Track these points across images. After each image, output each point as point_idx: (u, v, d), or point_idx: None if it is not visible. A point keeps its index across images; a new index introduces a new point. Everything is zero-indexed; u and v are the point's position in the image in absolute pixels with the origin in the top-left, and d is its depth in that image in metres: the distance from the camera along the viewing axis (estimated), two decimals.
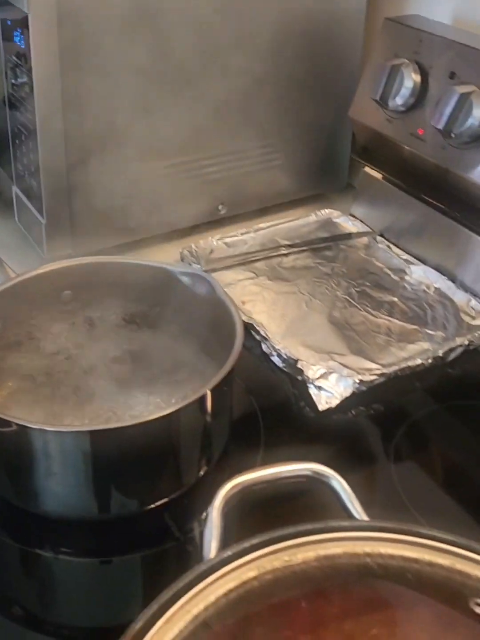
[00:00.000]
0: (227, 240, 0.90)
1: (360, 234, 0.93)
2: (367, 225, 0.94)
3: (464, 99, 0.72)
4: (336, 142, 1.01)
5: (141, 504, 0.56)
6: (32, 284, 0.66)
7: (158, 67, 0.82)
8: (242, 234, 0.92)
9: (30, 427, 0.51)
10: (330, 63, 0.94)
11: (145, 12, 0.78)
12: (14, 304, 0.64)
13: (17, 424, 0.51)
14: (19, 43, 0.78)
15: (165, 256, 0.88)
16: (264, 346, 0.72)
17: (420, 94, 0.79)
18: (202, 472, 0.59)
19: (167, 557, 0.54)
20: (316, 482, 0.49)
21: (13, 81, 0.83)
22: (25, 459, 0.52)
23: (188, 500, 0.57)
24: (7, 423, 0.51)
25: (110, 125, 0.82)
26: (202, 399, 0.55)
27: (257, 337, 0.73)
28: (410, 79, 0.79)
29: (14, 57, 0.81)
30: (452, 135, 0.76)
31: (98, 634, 0.51)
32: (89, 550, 0.55)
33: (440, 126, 0.75)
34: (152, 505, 0.56)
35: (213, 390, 0.55)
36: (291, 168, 0.99)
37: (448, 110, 0.72)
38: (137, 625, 0.40)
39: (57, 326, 0.66)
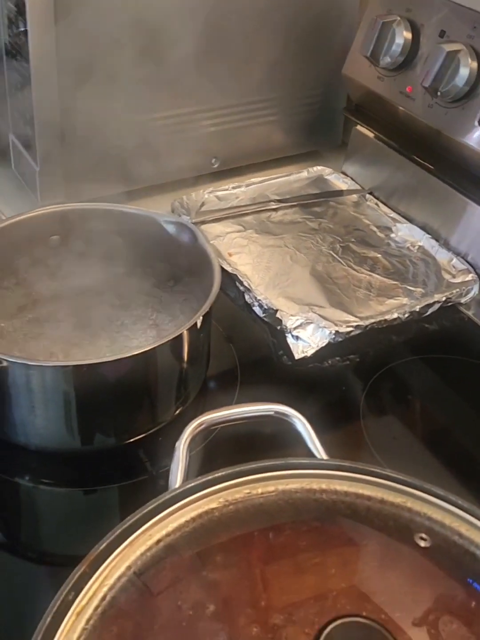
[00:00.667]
0: (219, 193, 0.91)
1: (350, 192, 0.94)
2: (358, 183, 0.95)
3: (451, 57, 0.72)
4: (331, 100, 1.01)
5: (118, 439, 0.59)
6: (20, 228, 0.67)
7: (154, 20, 0.82)
8: (233, 187, 0.93)
9: (14, 362, 0.53)
10: (327, 19, 0.94)
11: None
12: (3, 244, 0.66)
13: (2, 359, 0.53)
14: None
15: (157, 207, 0.89)
16: (246, 297, 0.74)
17: (411, 52, 0.80)
18: (177, 411, 0.61)
19: (141, 490, 0.57)
20: (281, 423, 0.51)
21: (11, 30, 0.84)
22: (7, 392, 0.55)
23: (162, 438, 0.60)
24: None
25: (105, 75, 0.83)
26: (179, 338, 0.57)
27: (241, 288, 0.75)
28: (401, 37, 0.79)
29: (13, 5, 0.81)
30: (439, 94, 0.77)
31: (74, 559, 0.54)
32: (68, 480, 0.58)
33: (427, 84, 0.76)
34: (129, 441, 0.59)
35: (189, 331, 0.57)
36: (286, 124, 1.00)
37: (435, 68, 0.73)
38: (100, 547, 0.42)
39: (43, 269, 0.68)
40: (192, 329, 0.59)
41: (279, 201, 0.91)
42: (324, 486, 0.47)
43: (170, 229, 0.69)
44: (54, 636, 0.38)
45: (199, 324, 0.59)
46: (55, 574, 0.53)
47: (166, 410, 0.61)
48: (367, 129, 0.95)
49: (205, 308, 0.60)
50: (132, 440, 0.59)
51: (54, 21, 0.77)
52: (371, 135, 0.94)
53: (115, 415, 0.58)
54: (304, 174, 0.97)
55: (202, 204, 0.89)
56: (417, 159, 0.88)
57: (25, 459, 0.58)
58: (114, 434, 0.59)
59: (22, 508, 0.58)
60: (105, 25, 0.80)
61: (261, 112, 0.97)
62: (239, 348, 0.69)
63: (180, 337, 0.58)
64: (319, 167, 0.98)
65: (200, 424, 0.49)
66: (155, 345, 0.56)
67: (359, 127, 0.96)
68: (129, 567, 0.42)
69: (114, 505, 0.58)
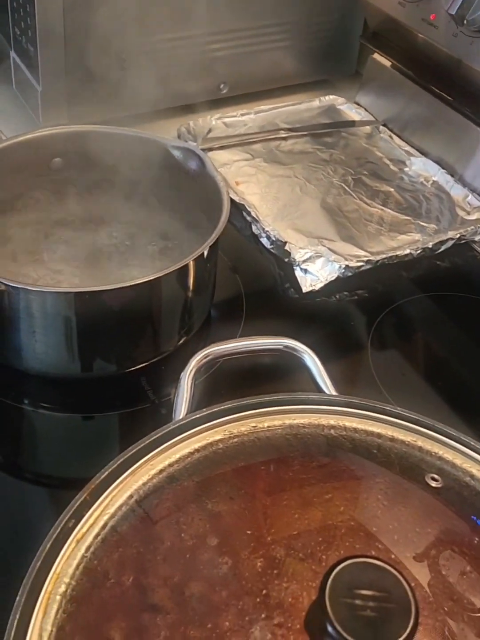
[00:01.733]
0: (226, 120, 0.88)
1: (363, 123, 0.90)
2: (371, 114, 0.92)
3: None
4: (347, 26, 0.97)
5: (119, 367, 0.58)
6: (22, 149, 0.65)
7: None
8: (241, 114, 0.90)
9: (15, 287, 0.52)
10: None
11: None
12: (3, 166, 0.63)
13: (3, 284, 0.51)
14: None
15: (162, 133, 0.86)
16: (254, 227, 0.72)
17: None
18: (181, 342, 0.60)
19: (142, 418, 0.56)
20: (289, 357, 0.50)
21: None
22: (8, 317, 0.53)
23: (165, 367, 0.58)
24: None
25: None
26: (185, 268, 0.55)
27: (248, 219, 0.73)
28: None
29: None
30: (465, 22, 0.73)
31: (74, 483, 0.53)
32: (67, 406, 0.57)
33: (453, 11, 0.72)
34: (131, 369, 0.57)
35: (196, 261, 0.55)
36: (298, 50, 0.96)
37: None
38: (102, 475, 0.41)
39: (44, 193, 0.66)
40: (199, 259, 0.57)
41: (289, 130, 0.88)
42: (332, 422, 0.46)
43: (177, 154, 0.66)
44: (53, 563, 0.37)
45: (205, 254, 0.57)
46: (54, 496, 0.53)
47: (169, 340, 0.59)
48: (383, 57, 0.91)
49: (213, 238, 0.57)
50: (133, 368, 0.58)
51: None
52: (388, 64, 0.91)
53: (117, 343, 0.57)
54: (316, 102, 0.94)
55: (209, 131, 0.86)
56: (435, 89, 0.84)
57: (25, 383, 0.57)
58: (116, 361, 0.57)
59: (21, 431, 0.57)
60: None
61: (273, 36, 0.93)
62: (245, 279, 0.68)
63: (186, 267, 0.56)
64: (331, 96, 0.95)
65: (206, 355, 0.48)
66: (160, 275, 0.55)
67: (375, 56, 0.92)
68: (130, 496, 0.41)
69: (113, 433, 0.57)
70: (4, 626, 0.36)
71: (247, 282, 0.67)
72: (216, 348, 0.48)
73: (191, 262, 0.56)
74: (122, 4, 0.79)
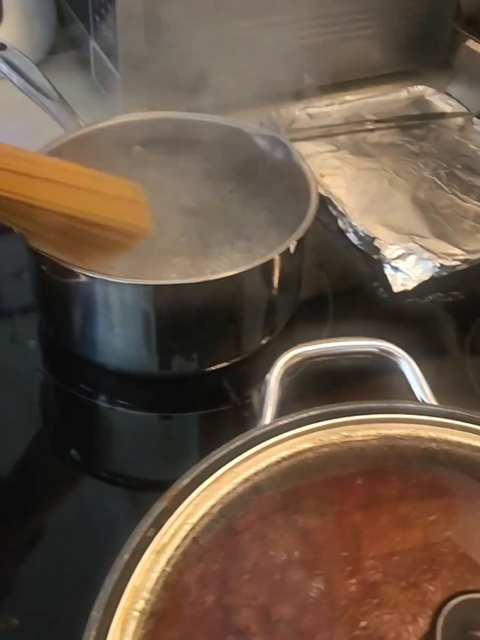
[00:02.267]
0: (310, 110, 0.85)
1: (455, 114, 0.86)
2: (464, 106, 0.87)
3: None
4: (438, 12, 0.92)
5: (200, 365, 0.55)
6: (102, 135, 0.63)
7: None
8: (326, 105, 0.86)
9: (94, 277, 0.49)
10: None
11: None
12: (83, 154, 0.61)
13: (83, 274, 0.49)
14: None
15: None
16: (340, 222, 0.68)
17: None
18: (264, 341, 0.57)
19: (222, 420, 0.53)
20: (383, 361, 0.46)
21: None
22: (87, 309, 0.51)
23: (248, 367, 0.55)
24: (74, 274, 0.49)
25: None
26: (270, 263, 0.52)
27: (334, 213, 0.69)
28: None
29: None
30: None
31: (151, 484, 0.51)
32: (145, 404, 0.54)
33: None
34: (211, 368, 0.55)
35: (282, 256, 0.52)
36: (385, 38, 0.91)
37: None
38: (184, 481, 0.38)
39: (128, 176, 0.63)
40: (285, 253, 0.53)
41: (376, 121, 0.84)
42: (433, 434, 0.42)
43: (262, 143, 0.63)
44: (130, 575, 0.34)
45: (292, 249, 0.54)
46: (130, 497, 0.51)
47: (252, 339, 0.56)
48: (478, 44, 0.86)
49: (300, 232, 0.54)
50: (214, 368, 0.55)
51: None
52: None
53: (198, 340, 0.54)
54: (404, 93, 0.90)
55: (293, 121, 0.83)
56: None
57: (103, 379, 0.55)
58: (196, 359, 0.55)
59: (98, 429, 0.55)
60: None
61: (359, 24, 0.89)
62: (331, 277, 0.64)
63: (271, 262, 0.53)
64: (421, 87, 0.90)
65: (295, 356, 0.45)
66: (244, 270, 0.52)
67: (468, 43, 0.87)
68: (213, 506, 0.38)
69: (192, 434, 0.55)
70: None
71: (333, 280, 0.64)
72: (305, 348, 0.45)
73: (276, 257, 0.53)
74: None
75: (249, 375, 0.55)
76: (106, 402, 0.54)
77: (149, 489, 0.50)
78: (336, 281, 0.64)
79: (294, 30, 0.86)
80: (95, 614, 0.33)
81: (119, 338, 0.52)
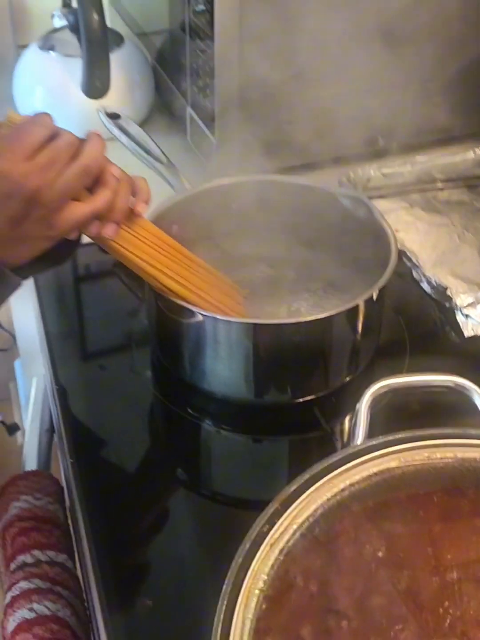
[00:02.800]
0: (385, 170, 0.92)
1: None
2: None
3: None
4: None
5: (292, 396, 0.62)
6: (206, 195, 0.72)
7: (333, 10, 0.84)
8: (399, 165, 0.93)
9: (207, 316, 0.58)
10: None
11: None
12: (189, 211, 0.70)
13: (198, 313, 0.58)
14: None
15: (323, 182, 0.92)
16: (414, 273, 0.76)
17: None
18: (348, 378, 0.64)
19: (312, 445, 0.60)
20: (458, 395, 0.53)
21: (194, 8, 0.88)
22: (199, 343, 0.60)
23: (334, 400, 0.63)
24: (189, 312, 0.58)
25: (282, 56, 0.85)
26: (355, 309, 0.60)
27: (409, 264, 0.76)
28: None
29: None
30: None
31: (243, 503, 0.58)
32: (245, 428, 0.62)
33: None
34: (302, 399, 0.62)
35: (366, 302, 0.59)
36: (452, 103, 0.98)
37: None
38: (291, 488, 0.46)
39: (226, 236, 0.72)
40: (368, 300, 0.61)
41: (446, 181, 0.91)
42: None
43: (346, 202, 0.71)
44: (251, 561, 0.42)
45: (374, 297, 0.61)
46: (227, 513, 0.57)
47: (338, 376, 0.64)
48: None
49: (383, 281, 0.61)
50: (304, 399, 0.63)
51: (240, 6, 0.80)
52: None
53: (291, 374, 0.61)
54: (470, 154, 0.96)
55: (369, 180, 0.91)
56: None
57: (209, 404, 0.63)
58: (289, 390, 0.62)
59: (201, 448, 0.63)
60: (289, 10, 0.82)
61: (428, 91, 0.97)
62: (408, 322, 0.71)
63: (356, 307, 0.60)
64: None
65: (382, 387, 0.52)
66: (333, 313, 0.59)
67: None
68: (316, 509, 0.45)
69: (283, 456, 0.62)
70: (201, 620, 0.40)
71: (409, 325, 0.71)
72: (392, 380, 0.52)
73: (361, 303, 0.60)
74: (291, 66, 0.86)
75: (335, 407, 0.62)
76: (211, 425, 0.62)
77: (242, 505, 0.58)
78: (412, 326, 0.71)
79: (369, 97, 0.94)
80: (225, 588, 0.40)
81: (224, 368, 0.60)
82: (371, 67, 0.91)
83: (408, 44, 0.90)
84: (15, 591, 0.66)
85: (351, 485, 0.47)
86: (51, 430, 0.85)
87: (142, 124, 0.85)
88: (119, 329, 0.71)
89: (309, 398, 0.62)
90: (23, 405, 1.48)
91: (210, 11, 0.82)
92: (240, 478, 0.60)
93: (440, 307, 0.72)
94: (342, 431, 0.62)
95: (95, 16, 0.94)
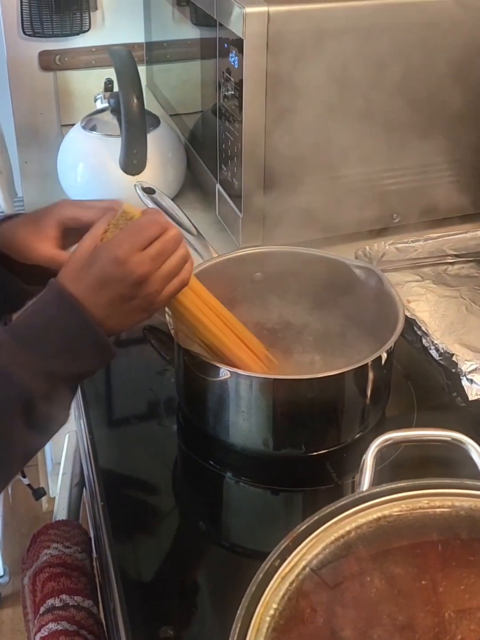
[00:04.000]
0: (399, 245, 0.99)
1: None
2: None
3: None
4: None
5: (306, 450, 0.67)
6: (231, 264, 0.78)
7: (360, 84, 0.92)
8: (412, 241, 1.00)
9: (233, 372, 0.64)
10: None
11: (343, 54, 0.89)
12: (216, 278, 0.77)
13: (222, 368, 0.64)
14: (232, 62, 0.91)
15: (340, 254, 0.99)
16: (423, 340, 0.81)
17: None
18: (358, 435, 0.69)
19: (324, 497, 0.65)
20: (457, 449, 0.57)
21: (224, 93, 0.97)
22: (224, 397, 0.65)
23: (346, 455, 0.67)
24: (213, 367, 0.64)
25: (305, 138, 0.93)
26: (364, 367, 0.65)
27: (419, 332, 0.82)
28: None
29: (227, 74, 0.94)
30: None
31: (258, 553, 0.62)
32: (262, 480, 0.67)
33: None
34: (314, 453, 0.67)
35: (374, 362, 0.65)
36: (465, 185, 1.06)
37: None
38: (302, 527, 0.50)
39: (248, 300, 0.79)
40: (376, 361, 0.66)
41: (456, 256, 0.97)
42: None
43: (359, 273, 0.77)
44: (263, 590, 0.46)
45: (383, 359, 0.67)
46: (242, 563, 0.62)
47: (349, 432, 0.69)
48: None
49: (390, 344, 0.67)
50: (317, 453, 0.67)
51: (265, 94, 0.89)
52: None
53: (306, 428, 0.67)
54: None
55: (383, 254, 0.97)
56: None
57: (230, 456, 0.68)
58: (303, 445, 0.67)
59: (223, 500, 0.67)
60: (311, 99, 0.91)
61: (442, 173, 1.04)
62: (416, 385, 0.76)
63: (365, 366, 0.66)
64: None
65: (387, 440, 0.57)
66: (344, 370, 0.65)
67: None
68: (324, 548, 0.50)
69: (297, 507, 0.66)
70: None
71: (417, 388, 0.76)
72: (395, 434, 0.57)
73: (370, 363, 0.66)
74: (312, 146, 0.94)
75: (346, 461, 0.67)
76: (231, 477, 0.68)
77: (255, 555, 0.61)
78: (420, 389, 0.76)
79: (385, 178, 1.01)
80: (239, 612, 0.45)
81: (245, 422, 0.65)
82: (388, 149, 0.99)
83: (425, 128, 0.98)
84: (44, 632, 0.70)
85: (357, 527, 0.51)
86: (81, 484, 0.90)
87: (174, 199, 0.93)
88: (148, 387, 0.77)
89: (322, 452, 0.67)
90: (49, 469, 1.53)
91: (238, 97, 0.90)
92: (257, 527, 0.65)
93: (447, 373, 0.77)
94: (352, 484, 0.66)
95: (135, 100, 1.04)
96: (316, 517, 0.51)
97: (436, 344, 0.79)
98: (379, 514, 0.52)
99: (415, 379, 0.77)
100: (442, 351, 0.78)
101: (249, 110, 0.90)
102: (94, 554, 0.78)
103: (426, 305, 0.87)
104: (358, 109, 0.94)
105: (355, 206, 1.01)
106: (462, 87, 0.97)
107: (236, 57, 0.88)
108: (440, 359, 0.78)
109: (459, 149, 1.02)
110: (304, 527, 0.50)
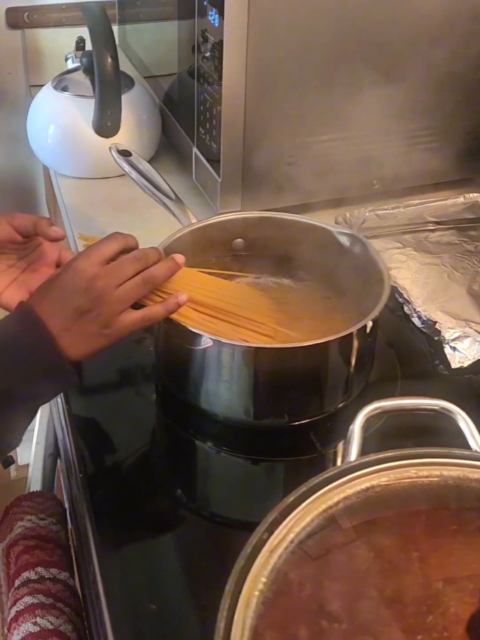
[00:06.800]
0: (379, 212, 0.97)
1: None
2: None
3: None
4: None
5: (289, 419, 0.66)
6: (211, 230, 0.76)
7: (342, 47, 0.89)
8: (392, 208, 0.98)
9: (215, 340, 0.62)
10: None
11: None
12: (195, 244, 0.75)
13: (205, 337, 0.62)
14: (212, 21, 0.88)
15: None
16: (405, 308, 0.80)
17: None
18: (341, 404, 0.68)
19: (306, 467, 0.64)
20: (445, 418, 0.57)
21: (203, 54, 0.93)
22: (205, 366, 0.64)
23: (329, 424, 0.66)
24: (196, 336, 0.62)
25: (284, 104, 0.91)
26: (349, 336, 0.64)
27: (400, 300, 0.81)
28: None
29: (206, 34, 0.90)
30: None
31: (240, 524, 0.62)
32: (244, 450, 0.65)
33: None
34: (297, 423, 0.66)
35: (359, 331, 0.64)
36: (445, 151, 1.04)
37: None
38: (290, 499, 0.49)
39: (229, 266, 0.77)
40: (361, 330, 0.65)
41: (436, 223, 0.96)
42: None
43: (343, 240, 0.76)
44: (252, 564, 0.45)
45: (368, 327, 0.66)
46: (224, 533, 0.61)
47: (333, 401, 0.68)
48: None
49: (375, 312, 0.66)
50: (300, 422, 0.66)
51: (246, 50, 0.86)
52: None
53: (289, 397, 0.65)
54: (460, 199, 1.01)
55: (363, 221, 0.96)
56: None
57: (211, 426, 0.67)
58: (286, 414, 0.66)
59: (202, 469, 0.66)
60: (295, 54, 0.88)
61: (422, 139, 1.02)
62: (399, 354, 0.75)
63: (350, 335, 0.65)
64: (475, 194, 1.02)
65: (375, 409, 0.56)
66: (329, 339, 0.63)
67: None
68: (312, 520, 0.49)
69: (279, 477, 0.65)
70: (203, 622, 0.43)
71: (401, 357, 0.75)
72: (383, 403, 0.56)
73: (354, 332, 0.65)
74: (292, 110, 0.91)
75: (330, 430, 0.66)
76: (212, 446, 0.66)
77: (240, 526, 0.61)
78: (403, 357, 0.75)
79: (366, 143, 0.99)
80: (228, 588, 0.44)
81: (226, 391, 0.64)
82: (368, 115, 0.96)
83: (405, 94, 0.96)
84: (19, 606, 0.69)
85: (346, 497, 0.51)
86: (55, 454, 0.88)
87: (149, 162, 0.90)
88: (125, 356, 0.75)
89: (305, 421, 0.66)
90: None
91: (218, 58, 0.87)
92: (239, 497, 0.64)
93: (430, 341, 0.76)
94: (334, 454, 0.65)
95: (109, 59, 1.00)
96: (303, 489, 0.50)
97: (418, 311, 0.78)
98: (367, 485, 0.52)
99: (398, 347, 0.76)
100: (424, 319, 0.77)
101: (229, 71, 0.87)
102: (70, 526, 0.76)
103: (408, 273, 0.86)
104: (341, 72, 0.92)
105: (335, 172, 0.99)
106: (445, 50, 0.95)
107: (217, 16, 0.85)
108: (423, 327, 0.78)
109: (442, 114, 1.01)
110: (291, 499, 0.49)
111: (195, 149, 1.00)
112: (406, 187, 1.03)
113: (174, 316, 0.62)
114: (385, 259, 0.86)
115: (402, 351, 0.76)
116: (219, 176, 0.93)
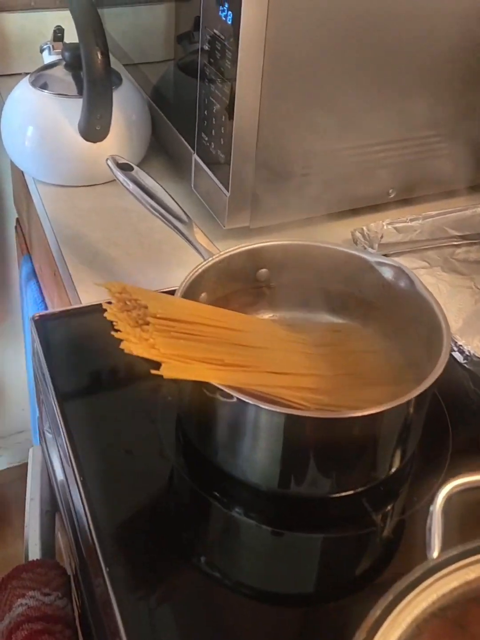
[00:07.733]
0: (397, 225, 0.90)
1: None
2: None
3: None
4: None
5: (330, 490, 0.58)
6: (233, 261, 0.68)
7: (355, 59, 0.82)
8: (410, 219, 0.91)
9: (240, 399, 0.53)
10: None
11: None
12: (217, 277, 0.66)
13: (235, 397, 0.53)
14: (223, 18, 0.78)
15: (334, 235, 0.90)
16: None
17: None
18: (393, 470, 0.60)
19: (342, 544, 0.57)
20: None
21: (209, 53, 0.83)
22: (237, 428, 0.55)
23: (384, 488, 0.59)
24: (229, 395, 0.54)
25: (304, 107, 0.83)
26: (407, 403, 0.55)
27: None
28: None
29: (216, 31, 0.81)
30: None
31: (270, 597, 0.55)
32: (273, 521, 0.58)
33: None
34: (340, 494, 0.58)
35: (418, 397, 0.55)
36: (458, 157, 0.97)
37: None
38: (377, 612, 0.42)
39: (250, 299, 0.69)
40: (421, 395, 0.55)
41: (460, 237, 0.90)
42: None
43: (384, 271, 0.68)
44: None
45: (427, 391, 0.55)
46: (252, 607, 0.54)
47: (382, 470, 0.59)
48: None
49: (435, 375, 0.56)
50: (342, 494, 0.59)
51: (263, 53, 0.77)
52: None
53: (327, 468, 0.57)
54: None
55: (382, 236, 0.88)
56: None
57: (240, 493, 0.59)
58: (325, 484, 0.58)
59: (228, 537, 0.59)
60: (311, 64, 0.80)
61: (438, 145, 0.96)
62: (442, 392, 0.68)
63: (408, 402, 0.55)
64: None
65: (456, 486, 0.49)
66: (388, 407, 0.53)
67: None
68: (412, 621, 0.42)
69: (312, 552, 0.58)
70: None
71: (444, 396, 0.67)
72: (467, 479, 0.49)
73: (413, 399, 0.54)
74: (308, 118, 0.83)
75: (379, 501, 0.59)
76: (240, 514, 0.58)
77: (271, 601, 0.54)
78: (447, 397, 0.66)
79: (382, 151, 0.92)
80: None
81: (260, 457, 0.55)
82: (380, 123, 0.89)
83: (422, 100, 0.89)
84: None
85: (433, 602, 0.44)
86: (52, 511, 0.79)
87: (139, 166, 0.80)
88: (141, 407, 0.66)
89: (348, 493, 0.59)
90: None
91: (230, 58, 0.78)
92: (266, 572, 0.56)
93: (474, 378, 0.70)
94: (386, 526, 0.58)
95: (100, 56, 0.90)
96: (390, 598, 0.43)
97: (460, 345, 0.71)
98: (456, 583, 0.45)
99: (443, 388, 0.69)
100: (467, 353, 0.71)
101: (244, 75, 0.78)
102: (74, 595, 0.68)
103: (440, 298, 0.78)
104: (356, 79, 0.84)
105: (348, 182, 0.92)
106: (467, 58, 0.88)
107: (229, 12, 0.76)
108: (466, 363, 0.71)
109: (457, 121, 0.94)
110: (378, 612, 0.42)
111: (195, 156, 0.91)
112: (424, 196, 0.97)
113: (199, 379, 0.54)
114: None
115: (445, 390, 0.69)
116: (228, 190, 0.84)
